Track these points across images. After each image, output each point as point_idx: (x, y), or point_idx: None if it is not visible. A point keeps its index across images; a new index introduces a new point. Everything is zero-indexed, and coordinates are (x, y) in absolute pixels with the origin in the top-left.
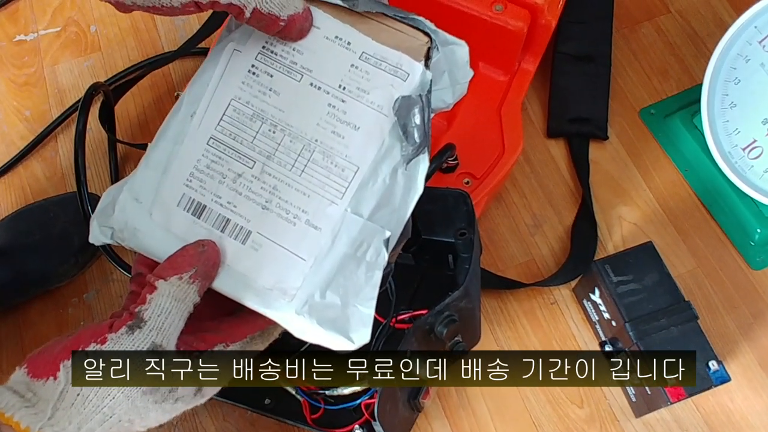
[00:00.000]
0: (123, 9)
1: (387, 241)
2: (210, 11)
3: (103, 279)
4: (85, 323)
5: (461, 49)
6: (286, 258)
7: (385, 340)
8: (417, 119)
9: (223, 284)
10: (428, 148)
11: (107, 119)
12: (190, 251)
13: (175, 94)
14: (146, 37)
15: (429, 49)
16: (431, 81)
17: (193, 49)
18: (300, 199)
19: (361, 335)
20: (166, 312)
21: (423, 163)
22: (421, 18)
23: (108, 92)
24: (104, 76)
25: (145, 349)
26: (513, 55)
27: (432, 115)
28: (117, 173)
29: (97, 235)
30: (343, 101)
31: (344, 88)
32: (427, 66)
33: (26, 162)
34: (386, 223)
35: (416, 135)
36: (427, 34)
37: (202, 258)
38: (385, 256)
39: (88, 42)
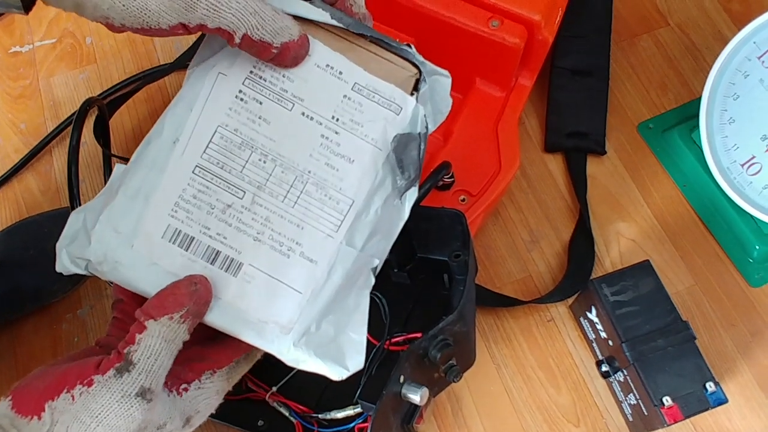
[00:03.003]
0: (114, 30)
1: (375, 269)
2: None
3: (97, 295)
4: (78, 339)
5: (445, 80)
6: (281, 290)
7: (379, 363)
8: (413, 155)
9: (215, 318)
10: (419, 180)
11: (102, 134)
12: (181, 290)
13: None
14: (142, 49)
15: (417, 80)
16: (425, 115)
17: (189, 62)
18: (293, 231)
19: (355, 362)
20: (156, 353)
21: (413, 195)
22: (409, 49)
23: (103, 107)
24: (100, 88)
25: (133, 393)
26: (510, 71)
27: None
28: None
29: (66, 265)
30: (336, 133)
31: (337, 120)
32: (416, 98)
33: (21, 175)
34: (376, 251)
35: (411, 170)
36: (415, 65)
37: (194, 297)
38: (372, 283)
39: (83, 54)
